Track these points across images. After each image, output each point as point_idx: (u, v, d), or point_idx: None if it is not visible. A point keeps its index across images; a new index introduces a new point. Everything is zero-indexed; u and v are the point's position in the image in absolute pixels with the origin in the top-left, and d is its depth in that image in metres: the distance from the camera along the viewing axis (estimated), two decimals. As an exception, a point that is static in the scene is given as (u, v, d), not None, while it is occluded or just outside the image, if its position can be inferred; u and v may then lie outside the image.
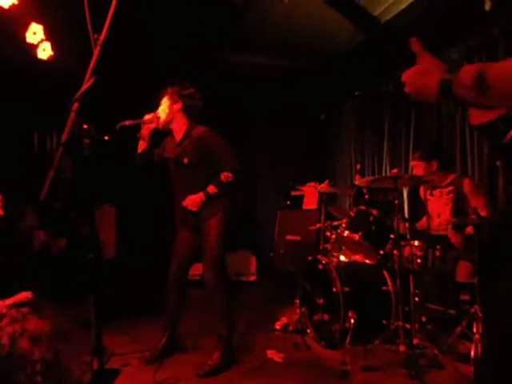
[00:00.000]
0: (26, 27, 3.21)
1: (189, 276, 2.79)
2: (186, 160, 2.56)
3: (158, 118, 2.59)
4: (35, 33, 3.20)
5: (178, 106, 2.59)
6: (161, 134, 2.74)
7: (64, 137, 0.94)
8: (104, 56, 1.07)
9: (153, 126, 2.60)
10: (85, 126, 1.00)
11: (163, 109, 2.61)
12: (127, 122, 2.47)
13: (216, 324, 2.56)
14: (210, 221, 2.53)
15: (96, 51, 1.02)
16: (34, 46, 3.29)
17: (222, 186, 2.49)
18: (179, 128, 2.63)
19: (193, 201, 2.52)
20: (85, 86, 0.98)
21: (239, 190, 5.67)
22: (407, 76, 0.98)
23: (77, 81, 1.09)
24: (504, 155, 0.93)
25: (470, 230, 2.85)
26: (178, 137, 2.64)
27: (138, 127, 2.61)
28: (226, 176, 2.46)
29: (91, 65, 1.01)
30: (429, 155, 3.21)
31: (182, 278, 2.70)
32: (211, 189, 2.49)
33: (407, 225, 3.00)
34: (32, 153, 4.10)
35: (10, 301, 1.99)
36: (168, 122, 2.61)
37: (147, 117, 2.58)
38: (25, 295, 2.05)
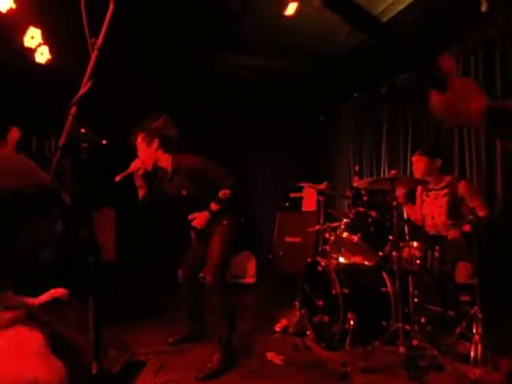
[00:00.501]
0: (23, 31, 3.21)
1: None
2: (184, 192, 2.71)
3: (144, 162, 2.68)
4: (33, 37, 3.20)
5: (154, 145, 2.65)
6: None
7: (62, 141, 0.95)
8: (102, 60, 1.07)
9: (142, 171, 2.71)
10: (82, 130, 1.00)
11: (143, 153, 2.69)
12: (117, 178, 2.59)
13: (216, 326, 2.57)
14: (216, 229, 2.67)
15: (93, 55, 1.02)
16: (32, 50, 3.29)
17: (222, 202, 2.65)
18: (165, 164, 2.72)
19: (199, 221, 2.67)
20: (82, 90, 0.99)
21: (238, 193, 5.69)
22: (444, 101, 0.93)
23: (75, 85, 1.09)
24: None
25: (466, 227, 2.84)
26: (168, 172, 2.74)
27: (131, 176, 2.71)
28: (223, 193, 2.62)
29: (88, 69, 1.02)
30: (434, 151, 3.18)
31: (193, 281, 2.89)
32: (213, 206, 2.65)
33: (406, 226, 3.00)
34: (30, 156, 4.10)
35: (44, 298, 1.96)
36: (153, 163, 2.71)
37: (133, 165, 2.68)
38: (59, 292, 2.08)
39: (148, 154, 2.66)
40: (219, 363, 2.45)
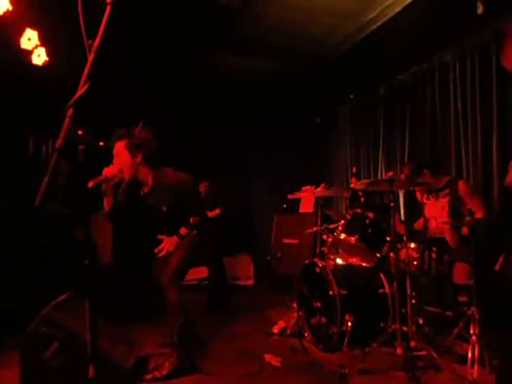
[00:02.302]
0: (20, 33, 3.20)
1: (185, 281, 2.85)
2: (164, 208, 2.69)
3: (121, 171, 2.53)
4: (30, 39, 3.19)
5: (138, 158, 2.56)
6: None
7: (59, 143, 0.94)
8: (99, 61, 1.07)
9: (117, 180, 2.57)
10: (79, 132, 1.00)
11: (124, 163, 2.54)
12: (90, 184, 2.35)
13: (170, 323, 2.56)
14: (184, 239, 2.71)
15: (90, 57, 1.02)
16: (29, 52, 3.28)
17: (191, 227, 2.71)
18: (145, 177, 2.64)
19: (168, 246, 2.69)
20: (79, 92, 0.98)
21: (236, 194, 5.70)
22: None
23: (73, 86, 1.09)
24: None
25: (465, 231, 2.86)
26: (147, 186, 2.67)
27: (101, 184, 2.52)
28: (194, 220, 2.69)
29: (85, 71, 1.02)
30: (419, 168, 3.19)
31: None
32: (183, 231, 2.69)
33: (404, 227, 3.00)
34: (27, 158, 4.09)
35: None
36: (133, 175, 2.61)
37: (110, 172, 2.48)
38: None
39: (129, 165, 2.54)
40: (171, 368, 2.42)
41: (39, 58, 3.31)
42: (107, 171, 2.46)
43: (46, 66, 3.32)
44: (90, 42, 1.05)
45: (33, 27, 3.23)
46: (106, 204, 2.61)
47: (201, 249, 2.83)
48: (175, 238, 2.68)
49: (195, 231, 2.71)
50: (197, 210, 2.74)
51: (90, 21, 1.16)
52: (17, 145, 4.05)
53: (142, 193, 2.72)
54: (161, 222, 2.79)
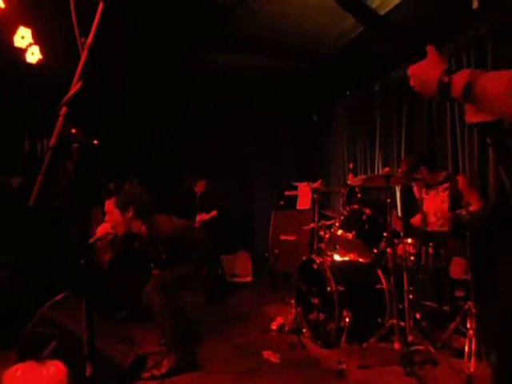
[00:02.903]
0: (13, 31, 3.17)
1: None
2: (163, 257, 2.70)
3: (114, 228, 2.60)
4: (23, 37, 3.16)
5: (130, 213, 2.58)
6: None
7: (52, 141, 0.93)
8: (93, 59, 1.06)
9: (111, 236, 2.63)
10: (73, 131, 0.99)
11: (116, 220, 2.60)
12: (91, 240, 2.48)
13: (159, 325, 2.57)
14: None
15: (83, 55, 1.01)
16: (23, 50, 3.25)
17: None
18: (139, 230, 2.65)
19: None
20: (72, 90, 0.98)
21: (233, 193, 5.69)
22: (413, 70, 1.03)
23: (67, 85, 1.08)
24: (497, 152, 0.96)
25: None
26: (144, 239, 2.68)
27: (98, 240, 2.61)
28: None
29: (78, 69, 1.01)
30: (416, 164, 3.19)
31: None
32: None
33: (401, 223, 3.02)
34: (22, 157, 4.07)
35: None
36: (126, 230, 2.64)
37: (103, 230, 2.57)
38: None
39: (121, 221, 2.58)
40: (170, 367, 2.42)
41: (33, 56, 3.28)
42: (100, 230, 2.56)
43: (39, 64, 3.30)
44: (82, 39, 1.04)
45: (26, 25, 3.21)
46: (103, 262, 2.73)
47: (190, 279, 2.84)
48: None
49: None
50: (194, 252, 2.74)
51: (83, 18, 1.15)
52: (12, 144, 4.02)
53: (137, 245, 2.72)
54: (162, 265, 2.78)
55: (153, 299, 2.51)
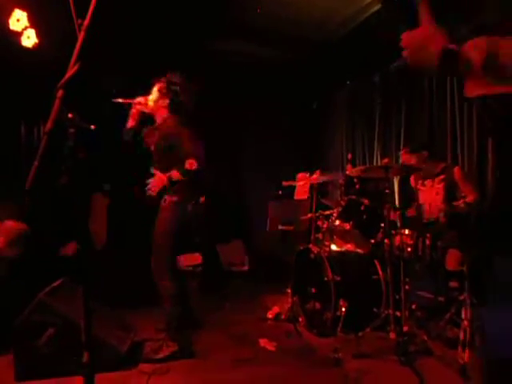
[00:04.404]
0: (8, 14, 3.10)
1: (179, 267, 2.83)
2: (152, 148, 2.73)
3: (147, 104, 2.75)
4: (19, 20, 3.09)
5: (165, 102, 2.72)
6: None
7: (48, 125, 0.91)
8: (90, 42, 1.04)
9: (142, 107, 2.76)
10: (70, 115, 0.97)
11: (153, 99, 2.75)
12: (120, 99, 2.69)
13: (165, 309, 2.54)
14: (165, 205, 2.57)
15: (80, 37, 0.99)
16: (18, 34, 3.18)
17: (184, 173, 2.51)
18: (159, 118, 2.78)
19: (154, 183, 2.56)
20: (69, 73, 0.95)
21: (229, 181, 5.67)
22: (408, 38, 0.91)
23: (64, 69, 1.06)
24: (495, 136, 0.92)
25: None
26: (156, 125, 2.79)
27: (129, 106, 2.78)
28: (190, 163, 2.49)
29: (75, 51, 0.98)
30: (418, 147, 3.24)
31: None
32: (174, 174, 2.52)
33: (398, 213, 3.01)
34: (19, 143, 4.03)
35: None
36: (152, 111, 2.77)
37: (138, 99, 2.75)
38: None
39: (154, 105, 2.73)
40: (170, 351, 2.43)
41: (29, 39, 3.21)
42: (138, 98, 2.74)
43: (35, 48, 3.23)
44: (79, 21, 1.01)
45: (22, 8, 3.13)
46: (128, 124, 2.79)
47: (187, 220, 2.62)
48: (163, 178, 2.53)
49: (176, 199, 2.52)
50: (191, 153, 2.54)
51: (80, 0, 1.12)
52: (8, 129, 3.98)
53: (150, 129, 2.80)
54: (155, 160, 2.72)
55: (163, 283, 2.49)
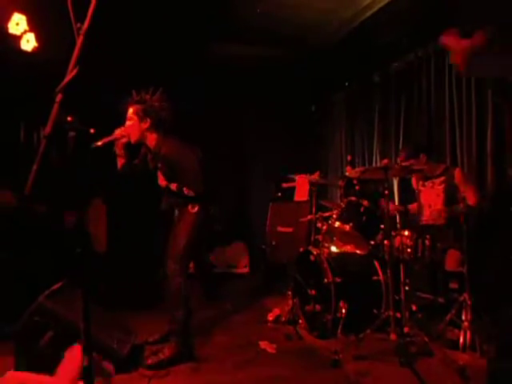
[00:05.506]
0: (8, 17, 3.11)
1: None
2: (161, 176, 2.72)
3: (129, 135, 2.60)
4: (18, 23, 3.10)
5: (146, 124, 2.58)
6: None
7: (47, 129, 0.92)
8: (89, 46, 1.04)
9: (125, 140, 2.62)
10: (69, 119, 0.97)
11: (132, 127, 2.60)
12: (99, 143, 2.44)
13: (170, 315, 2.54)
14: (183, 216, 2.59)
15: (79, 41, 0.99)
16: (18, 38, 3.19)
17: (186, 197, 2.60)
18: (150, 143, 2.65)
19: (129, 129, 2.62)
20: (68, 77, 0.96)
21: (230, 184, 5.67)
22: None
23: (64, 72, 1.06)
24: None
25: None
26: (151, 151, 2.68)
27: (112, 144, 2.62)
28: (187, 191, 2.58)
29: (74, 55, 0.98)
30: (415, 152, 3.21)
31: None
32: (186, 190, 2.59)
33: (399, 212, 3.02)
34: (18, 146, 4.03)
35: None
36: (138, 139, 2.64)
37: (118, 132, 2.59)
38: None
39: (137, 130, 2.59)
40: (170, 354, 2.41)
41: (28, 43, 3.22)
42: (117, 132, 2.58)
43: (35, 51, 3.24)
44: (78, 25, 1.01)
45: (21, 11, 3.14)
46: (118, 164, 2.70)
47: (203, 228, 2.67)
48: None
49: (197, 208, 2.57)
50: (190, 184, 2.57)
51: (79, 4, 1.13)
52: (8, 133, 3.98)
53: (148, 157, 2.74)
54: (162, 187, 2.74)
55: (174, 285, 2.48)
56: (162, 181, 2.75)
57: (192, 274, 4.26)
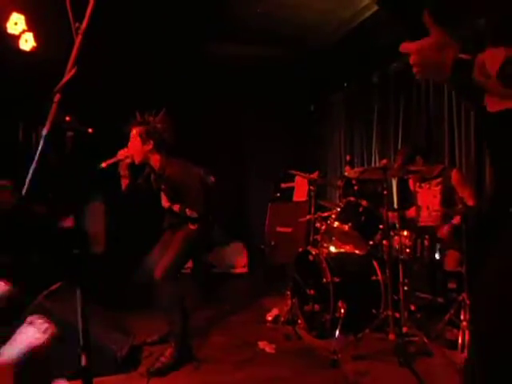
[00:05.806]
0: (6, 17, 3.10)
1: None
2: (164, 196, 2.75)
3: (133, 156, 2.63)
4: (16, 23, 3.09)
5: (149, 146, 2.61)
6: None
7: (45, 129, 0.92)
8: (88, 46, 1.04)
9: (129, 161, 2.65)
10: (67, 118, 0.97)
11: (135, 148, 2.63)
12: (104, 164, 2.53)
13: (167, 321, 2.54)
14: (182, 230, 2.62)
15: (77, 40, 0.99)
16: (16, 37, 3.18)
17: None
18: (154, 164, 2.68)
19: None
20: (66, 77, 0.95)
21: (229, 184, 5.67)
22: (418, 47, 0.89)
23: (62, 72, 1.06)
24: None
25: (456, 220, 2.87)
26: (155, 172, 2.70)
27: (116, 164, 2.65)
28: (190, 213, 2.59)
29: (72, 55, 0.98)
30: (410, 157, 3.16)
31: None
32: (188, 212, 2.61)
33: (396, 214, 3.01)
34: (17, 146, 4.02)
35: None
36: (142, 161, 2.67)
37: (121, 153, 2.62)
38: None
39: (140, 151, 2.62)
40: (171, 358, 2.40)
41: (27, 43, 3.22)
42: (121, 153, 2.62)
43: (33, 51, 3.23)
44: (77, 24, 1.01)
45: (19, 11, 3.14)
46: (123, 185, 2.71)
47: (199, 244, 2.78)
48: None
49: (197, 225, 2.60)
50: (193, 206, 2.60)
51: (77, 3, 1.13)
52: (6, 133, 3.97)
53: (151, 177, 2.77)
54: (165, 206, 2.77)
55: (164, 289, 2.47)
56: (165, 202, 2.77)
57: (190, 274, 4.28)
